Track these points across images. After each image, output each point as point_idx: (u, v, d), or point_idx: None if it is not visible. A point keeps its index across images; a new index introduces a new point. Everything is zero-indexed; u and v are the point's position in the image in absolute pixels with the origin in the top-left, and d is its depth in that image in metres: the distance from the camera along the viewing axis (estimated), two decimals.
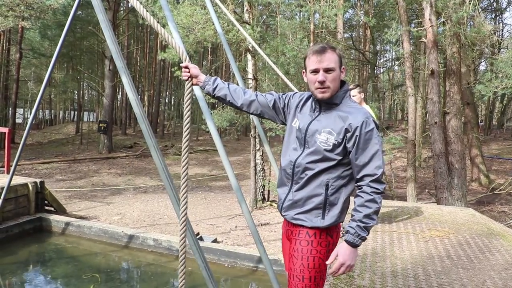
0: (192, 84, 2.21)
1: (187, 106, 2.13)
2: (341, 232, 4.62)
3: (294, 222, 2.06)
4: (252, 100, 2.25)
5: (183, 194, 2.11)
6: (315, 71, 1.98)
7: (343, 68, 2.04)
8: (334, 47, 2.02)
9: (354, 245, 1.89)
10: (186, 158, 2.10)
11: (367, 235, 1.89)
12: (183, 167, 2.10)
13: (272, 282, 3.61)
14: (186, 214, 2.12)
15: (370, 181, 1.89)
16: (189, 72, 2.18)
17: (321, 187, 1.98)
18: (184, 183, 2.09)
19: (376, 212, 1.89)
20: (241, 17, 10.17)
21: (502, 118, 32.10)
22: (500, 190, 12.26)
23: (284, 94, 2.29)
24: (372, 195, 1.87)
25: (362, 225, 1.87)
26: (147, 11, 2.23)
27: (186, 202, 2.09)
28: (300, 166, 2.02)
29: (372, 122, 1.95)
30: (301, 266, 2.02)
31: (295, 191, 2.05)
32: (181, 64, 2.22)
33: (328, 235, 2.04)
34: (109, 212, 9.31)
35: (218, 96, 2.25)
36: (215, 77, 2.28)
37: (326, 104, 2.03)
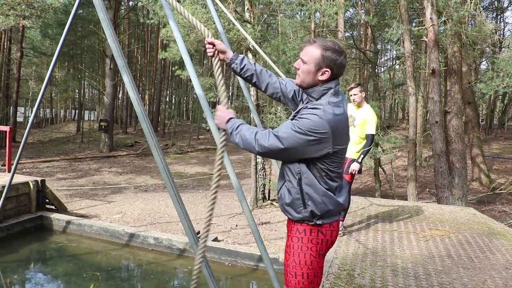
0: (219, 60, 2.19)
1: (220, 81, 2.10)
2: (341, 231, 4.63)
3: (285, 214, 2.13)
4: (276, 87, 2.28)
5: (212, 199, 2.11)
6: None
7: (326, 71, 1.98)
8: (326, 47, 1.96)
9: (228, 116, 2.03)
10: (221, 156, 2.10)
11: (227, 128, 2.02)
12: (217, 165, 2.10)
13: (272, 280, 3.61)
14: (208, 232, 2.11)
15: (271, 131, 1.93)
16: (213, 47, 2.17)
17: (294, 177, 2.01)
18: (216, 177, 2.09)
19: (242, 137, 1.95)
20: (242, 16, 10.16)
21: (503, 117, 32.04)
22: (501, 189, 12.26)
23: None
24: (260, 133, 1.92)
25: (236, 124, 1.99)
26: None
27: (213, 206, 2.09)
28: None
29: (312, 116, 1.88)
30: (292, 262, 2.05)
31: (283, 184, 2.12)
32: (206, 40, 2.18)
33: (319, 232, 2.03)
34: (110, 211, 9.32)
35: (244, 77, 2.27)
36: (243, 56, 2.27)
37: (309, 97, 2.07)
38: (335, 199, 2.02)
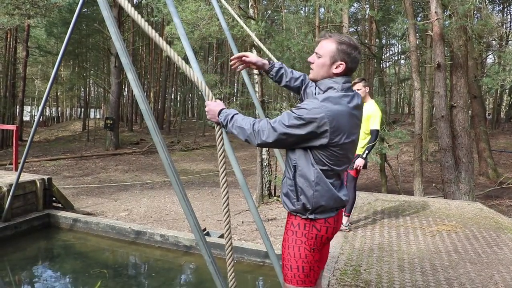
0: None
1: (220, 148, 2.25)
2: (347, 227, 4.62)
3: (283, 205, 2.18)
4: (297, 79, 2.45)
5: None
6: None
7: (340, 64, 2.00)
8: (341, 41, 1.99)
9: (218, 108, 2.12)
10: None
11: (222, 119, 2.08)
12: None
13: (278, 277, 3.61)
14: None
15: (269, 121, 1.95)
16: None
17: (290, 168, 2.04)
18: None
19: (241, 128, 1.99)
20: (246, 12, 10.13)
21: (510, 111, 31.73)
22: (508, 184, 12.18)
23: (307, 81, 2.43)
24: (257, 124, 1.95)
25: (230, 115, 2.05)
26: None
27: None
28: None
29: (310, 104, 1.90)
30: (288, 255, 2.09)
31: (285, 175, 2.18)
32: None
33: (314, 228, 2.02)
34: (116, 208, 9.36)
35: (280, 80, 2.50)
36: (279, 65, 2.50)
37: (318, 89, 2.11)
38: (331, 195, 1.99)
